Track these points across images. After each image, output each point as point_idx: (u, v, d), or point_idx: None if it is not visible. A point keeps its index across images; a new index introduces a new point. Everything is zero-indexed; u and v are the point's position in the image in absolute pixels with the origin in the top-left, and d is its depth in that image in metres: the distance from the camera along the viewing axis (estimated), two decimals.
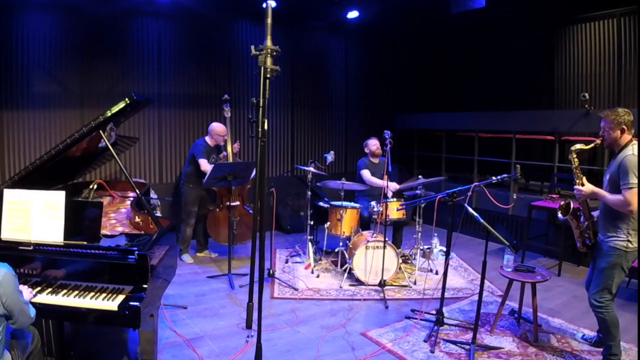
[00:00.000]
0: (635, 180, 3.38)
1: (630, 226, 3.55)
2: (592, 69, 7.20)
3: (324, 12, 8.35)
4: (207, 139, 6.34)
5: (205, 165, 6.09)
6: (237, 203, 6.19)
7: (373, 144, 6.58)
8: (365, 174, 6.49)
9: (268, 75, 2.55)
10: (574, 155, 3.84)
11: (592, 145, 3.84)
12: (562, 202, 3.98)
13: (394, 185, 6.20)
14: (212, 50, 7.64)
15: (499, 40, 8.63)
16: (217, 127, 6.31)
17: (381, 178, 6.21)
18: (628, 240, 3.55)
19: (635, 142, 3.55)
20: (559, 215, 3.98)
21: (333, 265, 6.35)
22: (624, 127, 3.55)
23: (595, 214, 3.94)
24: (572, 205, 3.91)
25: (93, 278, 2.99)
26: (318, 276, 5.97)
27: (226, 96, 6.40)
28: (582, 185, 3.77)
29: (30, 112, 6.41)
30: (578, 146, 3.86)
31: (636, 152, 3.46)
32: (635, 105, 6.37)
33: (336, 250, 6.28)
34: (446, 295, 4.50)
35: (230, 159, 6.39)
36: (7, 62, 6.24)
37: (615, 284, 3.65)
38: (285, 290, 5.52)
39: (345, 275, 5.74)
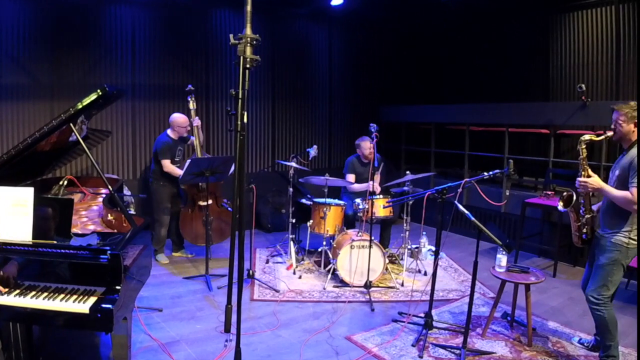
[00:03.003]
0: None
1: (633, 223, 3.64)
2: (589, 59, 7.30)
3: None
4: (169, 131, 6.30)
5: (169, 166, 6.10)
6: (210, 202, 6.15)
7: (367, 147, 6.53)
8: (350, 178, 6.55)
9: (248, 66, 2.57)
10: (583, 147, 3.87)
11: (603, 137, 3.86)
12: (565, 193, 4.01)
13: (376, 186, 6.21)
14: (189, 39, 7.63)
15: (491, 28, 8.71)
16: (177, 118, 6.26)
17: (368, 175, 6.22)
18: (629, 237, 3.64)
19: None
20: (560, 207, 4.01)
21: (316, 265, 6.39)
22: (637, 121, 3.61)
23: (595, 207, 4.02)
24: (574, 197, 3.93)
25: (63, 279, 3.00)
26: (300, 277, 6.01)
27: (190, 87, 6.30)
28: (588, 176, 3.80)
29: None
30: (587, 137, 3.88)
31: None
32: (633, 97, 6.47)
33: (319, 249, 6.32)
34: (435, 297, 4.55)
35: (198, 149, 6.31)
36: None
37: (614, 281, 3.74)
38: (266, 292, 5.55)
39: (329, 276, 5.78)
